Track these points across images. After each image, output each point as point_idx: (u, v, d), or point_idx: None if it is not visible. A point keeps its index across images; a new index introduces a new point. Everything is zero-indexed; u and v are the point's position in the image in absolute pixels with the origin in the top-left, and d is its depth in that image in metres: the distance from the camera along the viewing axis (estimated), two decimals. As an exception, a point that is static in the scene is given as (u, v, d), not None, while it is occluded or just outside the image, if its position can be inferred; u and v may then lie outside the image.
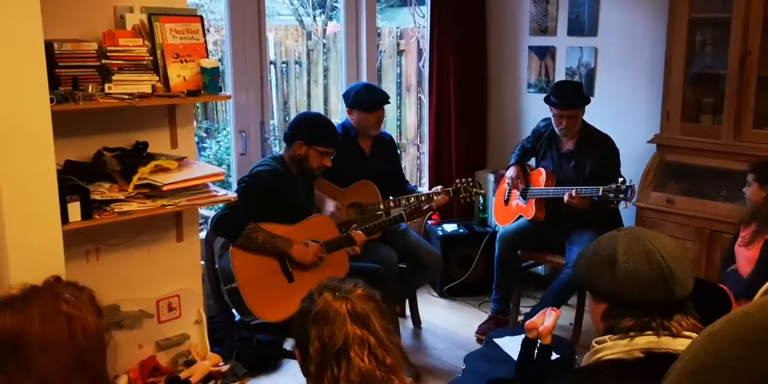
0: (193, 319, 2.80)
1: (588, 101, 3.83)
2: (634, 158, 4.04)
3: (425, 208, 3.57)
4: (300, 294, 3.01)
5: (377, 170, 3.82)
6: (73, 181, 2.23)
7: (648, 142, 3.97)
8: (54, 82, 2.20)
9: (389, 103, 3.82)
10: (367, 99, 3.68)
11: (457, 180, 3.74)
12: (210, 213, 3.42)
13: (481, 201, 4.69)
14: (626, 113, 4.28)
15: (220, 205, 2.90)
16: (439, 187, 3.72)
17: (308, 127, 3.22)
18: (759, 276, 2.98)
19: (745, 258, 3.08)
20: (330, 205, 3.56)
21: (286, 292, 3.04)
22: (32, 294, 1.50)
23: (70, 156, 2.39)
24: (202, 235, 3.08)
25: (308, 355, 1.58)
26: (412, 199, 3.66)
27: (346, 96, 3.79)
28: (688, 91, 3.84)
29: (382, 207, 3.72)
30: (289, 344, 3.68)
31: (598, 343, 1.61)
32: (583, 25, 4.43)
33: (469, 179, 3.73)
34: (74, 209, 2.19)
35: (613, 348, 1.56)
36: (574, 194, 3.57)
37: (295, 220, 3.17)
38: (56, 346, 1.44)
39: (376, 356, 1.55)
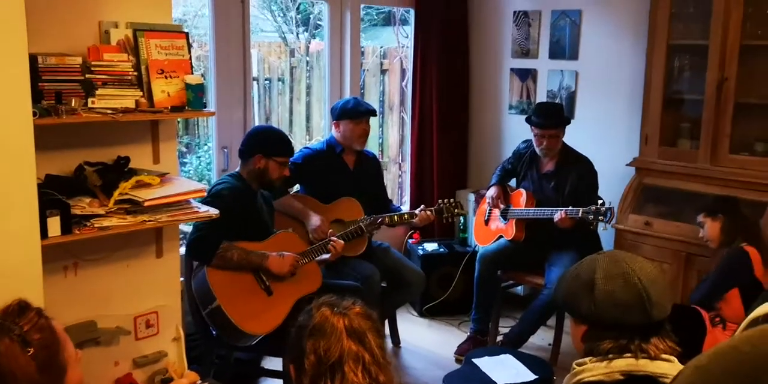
0: (171, 337, 2.78)
1: (568, 122, 3.88)
2: (613, 181, 4.08)
3: (384, 221, 3.60)
4: (280, 305, 3.05)
5: (361, 187, 3.83)
6: (54, 195, 2.21)
7: (627, 165, 4.02)
8: (37, 95, 2.19)
9: (375, 114, 3.89)
10: (354, 108, 3.75)
11: (440, 200, 3.76)
12: (190, 229, 3.40)
13: (462, 221, 4.71)
14: (606, 136, 4.34)
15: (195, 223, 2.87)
16: (422, 206, 3.74)
17: (264, 140, 3.23)
18: (715, 279, 3.14)
19: None
20: (315, 220, 3.56)
21: (266, 305, 3.03)
22: None
23: (51, 170, 2.37)
24: (182, 251, 3.05)
25: (302, 368, 1.58)
26: (396, 217, 3.67)
27: (333, 109, 3.85)
28: (666, 116, 3.90)
29: None
30: (267, 362, 3.65)
31: (578, 364, 1.62)
32: (565, 48, 4.50)
33: (451, 200, 3.75)
34: (54, 224, 2.18)
35: (592, 370, 1.57)
36: (564, 215, 3.59)
37: (261, 236, 3.16)
38: None
39: (369, 373, 1.56)
